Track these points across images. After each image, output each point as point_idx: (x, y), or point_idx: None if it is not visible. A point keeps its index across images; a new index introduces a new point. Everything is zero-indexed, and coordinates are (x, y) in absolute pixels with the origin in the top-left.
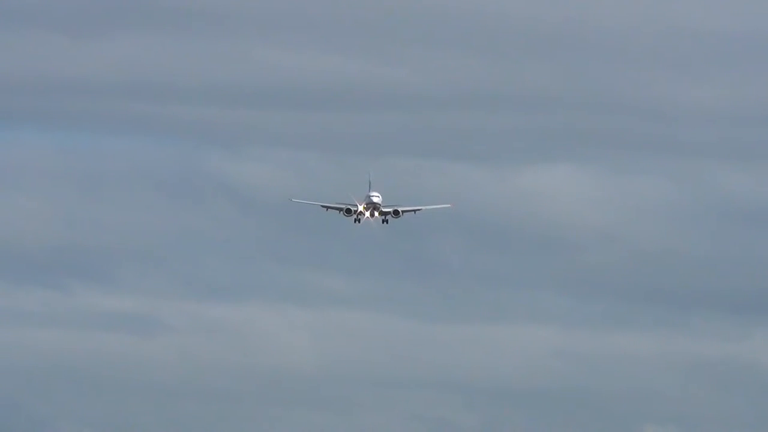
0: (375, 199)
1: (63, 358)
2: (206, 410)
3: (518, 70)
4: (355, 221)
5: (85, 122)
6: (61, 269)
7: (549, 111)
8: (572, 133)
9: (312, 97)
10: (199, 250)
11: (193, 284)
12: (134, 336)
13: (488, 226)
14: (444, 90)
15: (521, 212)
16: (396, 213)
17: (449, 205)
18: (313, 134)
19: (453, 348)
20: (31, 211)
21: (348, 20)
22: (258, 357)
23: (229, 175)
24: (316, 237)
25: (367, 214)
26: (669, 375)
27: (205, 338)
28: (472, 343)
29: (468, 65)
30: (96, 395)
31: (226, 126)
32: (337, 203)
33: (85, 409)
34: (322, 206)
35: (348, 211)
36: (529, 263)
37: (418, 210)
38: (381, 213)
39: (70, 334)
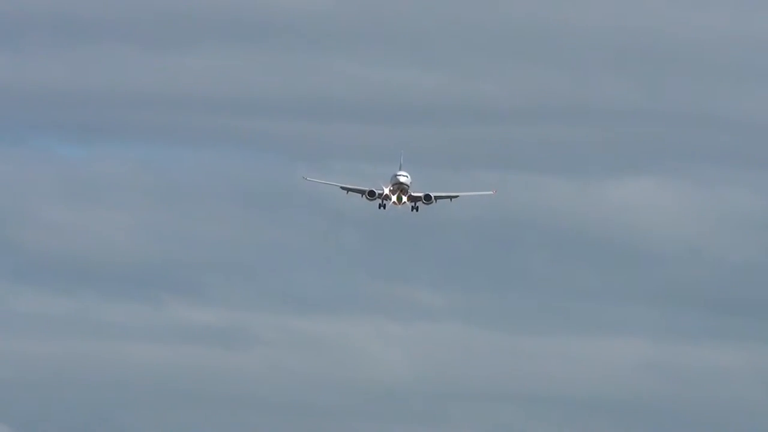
0: (402, 179)
1: (153, 372)
2: (296, 423)
3: (602, 83)
4: (379, 206)
5: (174, 136)
6: (151, 283)
7: (634, 123)
8: (657, 145)
9: (396, 110)
10: (288, 263)
11: (282, 297)
12: (224, 349)
13: (574, 238)
14: (528, 103)
15: (607, 224)
16: (428, 199)
17: (491, 192)
18: (398, 148)
19: (541, 360)
20: (120, 226)
21: (430, 34)
22: (347, 370)
23: (317, 187)
24: (404, 249)
25: (394, 198)
26: (758, 387)
27: (294, 351)
28: (560, 356)
29: (552, 78)
30: (186, 408)
31: (314, 139)
32: (359, 185)
33: (176, 422)
34: (342, 188)
35: (371, 194)
36: (615, 275)
37: (455, 197)
38: (411, 198)
39: (160, 347)
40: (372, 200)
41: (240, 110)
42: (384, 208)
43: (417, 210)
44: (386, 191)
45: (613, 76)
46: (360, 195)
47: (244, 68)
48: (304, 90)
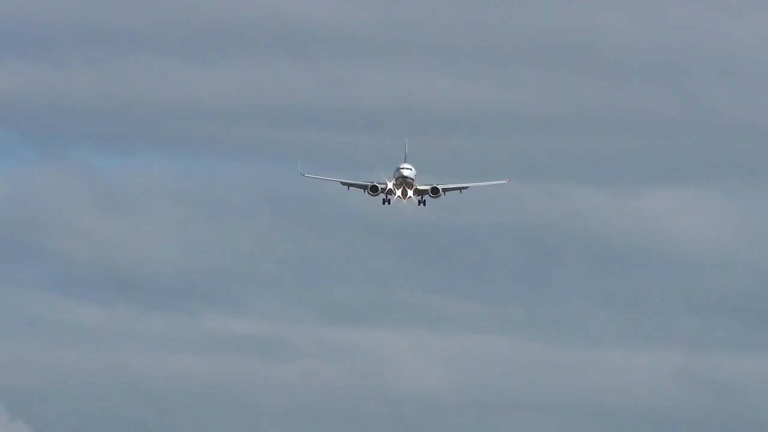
0: (406, 173)
1: (190, 382)
2: None
3: (640, 93)
4: (383, 202)
5: (210, 147)
6: (188, 294)
7: (671, 134)
8: (693, 155)
9: (433, 121)
10: (325, 275)
11: (319, 308)
12: (261, 360)
13: (609, 248)
14: (565, 113)
15: (642, 234)
16: (435, 192)
17: (505, 181)
18: (436, 158)
19: (580, 370)
20: (156, 236)
21: (468, 45)
22: (384, 381)
23: (350, 200)
24: (438, 259)
25: (398, 192)
26: None
27: (332, 362)
28: (596, 366)
29: (589, 88)
30: (224, 419)
31: (350, 151)
32: (361, 180)
33: None
34: (342, 183)
35: (373, 189)
36: (651, 285)
37: (465, 188)
38: (416, 192)
39: (196, 358)
40: (375, 195)
41: (274, 121)
42: (388, 203)
43: (424, 204)
44: (390, 185)
45: (648, 85)
46: (362, 190)
47: (278, 80)
48: (337, 101)
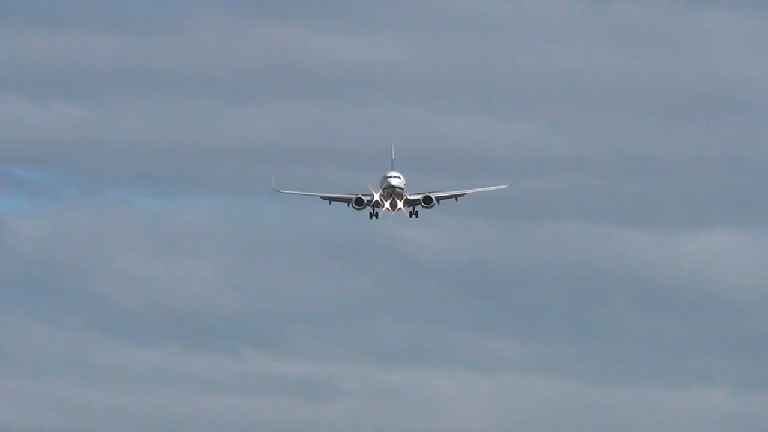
0: (394, 182)
1: (237, 424)
2: None
3: (683, 135)
4: (370, 216)
5: (254, 187)
6: (234, 335)
7: (711, 175)
8: (737, 197)
9: (477, 163)
10: (371, 315)
11: (365, 348)
12: (308, 401)
13: (654, 289)
14: (607, 155)
15: (686, 276)
16: (428, 201)
17: (506, 186)
18: (478, 201)
19: (622, 412)
20: (201, 277)
21: (509, 85)
22: (431, 421)
23: (399, 238)
24: (486, 300)
25: (387, 204)
26: None
27: (379, 403)
28: (642, 407)
29: (632, 130)
30: None
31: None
32: (345, 193)
33: None
34: (323, 197)
35: (358, 202)
36: (696, 327)
37: (460, 195)
38: (407, 203)
39: (243, 399)
40: (360, 209)
41: (319, 161)
42: (376, 217)
43: (416, 216)
44: (376, 197)
45: (691, 127)
46: (346, 204)
47: (319, 121)
48: (379, 140)
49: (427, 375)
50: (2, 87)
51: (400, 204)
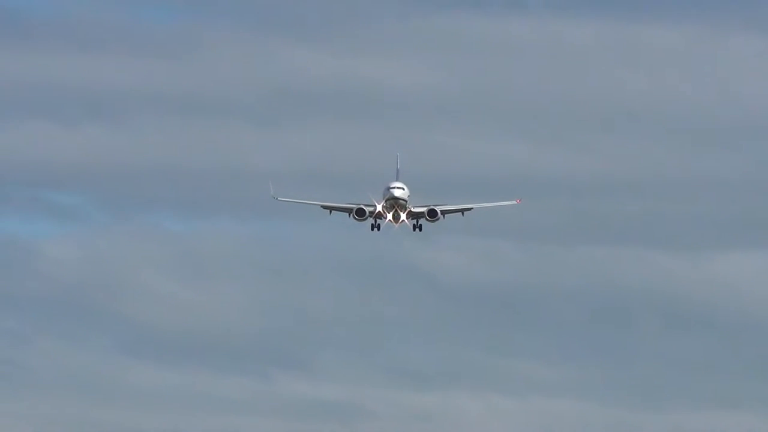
0: (398, 193)
1: None
2: None
3: (709, 155)
4: (372, 228)
5: (281, 210)
6: (263, 357)
7: (740, 196)
8: (764, 218)
9: (504, 186)
10: (400, 337)
11: (394, 371)
12: (336, 424)
13: (683, 312)
14: (634, 177)
15: (716, 298)
16: (432, 214)
17: (515, 202)
18: (506, 223)
19: None
20: (229, 300)
21: (533, 108)
22: None
23: (426, 261)
24: (515, 323)
25: (389, 216)
26: None
27: (408, 425)
28: (672, 430)
29: (658, 151)
30: None
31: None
32: (345, 202)
33: None
34: (323, 207)
35: (360, 213)
36: (727, 349)
37: (467, 209)
38: (411, 215)
39: (272, 421)
40: (361, 220)
41: (349, 185)
42: (378, 229)
43: (420, 229)
44: (379, 208)
45: (721, 149)
46: (347, 214)
47: (350, 145)
48: (410, 164)
49: (457, 397)
50: (32, 111)
51: (403, 216)
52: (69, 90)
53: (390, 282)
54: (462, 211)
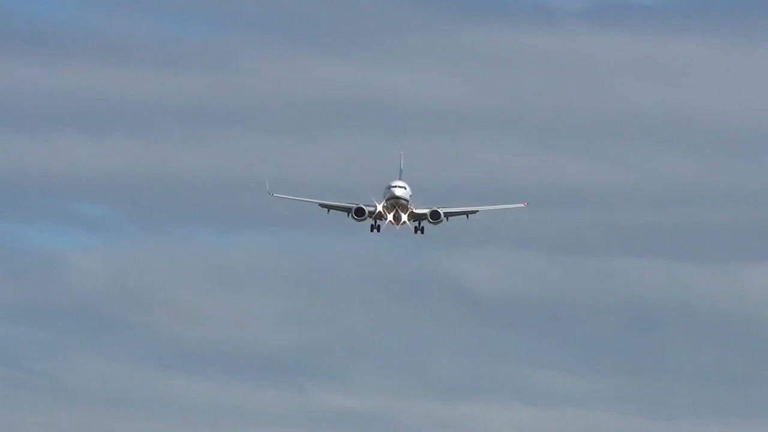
0: (399, 192)
1: None
2: None
3: (739, 167)
4: (371, 229)
5: (313, 223)
6: (296, 369)
7: None
8: None
9: (534, 197)
10: (431, 349)
11: (424, 383)
12: None
13: (712, 323)
14: (664, 188)
15: (746, 310)
16: (435, 216)
17: (523, 204)
18: (536, 235)
19: None
20: (261, 313)
21: (562, 120)
22: None
23: (455, 274)
24: (543, 334)
25: (390, 217)
26: None
27: None
28: None
29: (686, 162)
30: None
31: (451, 225)
32: (343, 201)
33: None
34: (321, 205)
35: (359, 213)
36: (756, 361)
37: (472, 212)
38: (412, 216)
39: None
40: (360, 220)
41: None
42: (378, 230)
43: (422, 232)
44: (379, 208)
45: (749, 160)
46: (345, 214)
47: (377, 157)
48: (438, 176)
49: (488, 409)
50: (64, 124)
51: (404, 217)
52: (100, 102)
53: (421, 295)
54: (467, 213)
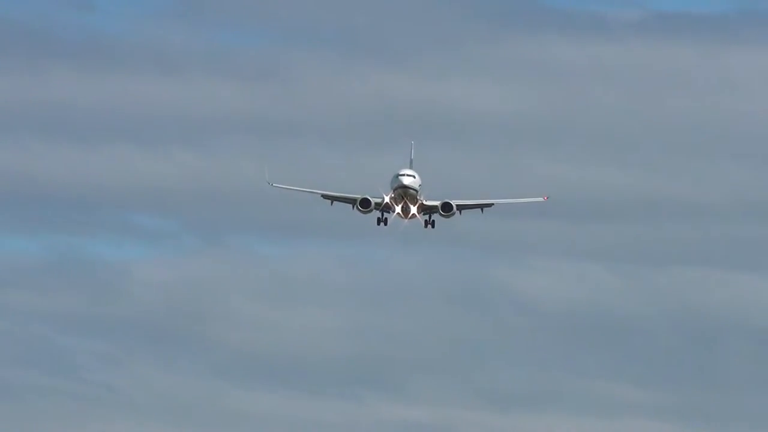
0: (407, 181)
1: None
2: None
3: None
4: (378, 222)
5: (372, 231)
6: (354, 379)
7: None
8: None
9: (595, 208)
10: (490, 359)
11: (484, 394)
12: None
13: None
14: (729, 200)
15: None
16: (447, 209)
17: (542, 199)
18: (598, 245)
19: None
20: (319, 323)
21: (620, 131)
22: None
23: (515, 284)
24: (603, 345)
25: (398, 209)
26: None
27: None
28: None
29: (749, 174)
30: None
31: (510, 237)
32: (348, 192)
33: None
34: (324, 196)
35: (364, 204)
36: None
37: (488, 205)
38: (422, 208)
39: None
40: (366, 212)
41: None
42: (385, 223)
43: (433, 226)
44: (386, 199)
45: None
46: (350, 206)
47: (443, 167)
48: (498, 187)
49: (548, 420)
50: (121, 136)
51: (413, 209)
52: (157, 114)
53: (479, 304)
54: (482, 206)
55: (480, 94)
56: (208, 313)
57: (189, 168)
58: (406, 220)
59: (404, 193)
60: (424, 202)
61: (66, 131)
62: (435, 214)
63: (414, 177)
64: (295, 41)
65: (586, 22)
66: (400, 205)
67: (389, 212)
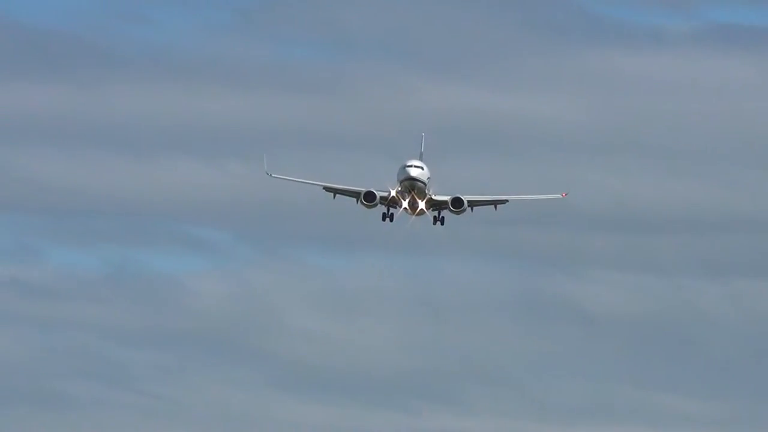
0: (414, 172)
1: None
2: None
3: None
4: (384, 217)
5: (427, 244)
6: (410, 392)
7: None
8: None
9: (638, 219)
10: (546, 371)
11: (540, 406)
12: None
13: None
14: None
15: None
16: (457, 204)
17: (561, 195)
18: (651, 257)
19: None
20: (375, 335)
21: (677, 143)
22: None
23: (572, 296)
24: (661, 356)
25: (405, 203)
26: None
27: None
28: None
29: None
30: None
31: (567, 248)
32: (352, 185)
33: None
34: (326, 189)
35: (369, 198)
36: None
37: (502, 202)
38: (431, 203)
39: None
40: (370, 206)
41: (494, 219)
42: (391, 219)
43: (442, 223)
44: (393, 193)
45: None
46: (354, 199)
47: (495, 176)
48: (550, 199)
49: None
50: (178, 148)
51: (421, 204)
52: (213, 126)
53: (535, 316)
54: (495, 203)
55: (536, 106)
56: (261, 325)
57: (244, 180)
58: (414, 216)
59: (411, 186)
60: (433, 197)
61: (124, 144)
62: (444, 210)
63: (422, 169)
64: (352, 54)
65: (640, 33)
66: (407, 200)
67: (395, 207)
